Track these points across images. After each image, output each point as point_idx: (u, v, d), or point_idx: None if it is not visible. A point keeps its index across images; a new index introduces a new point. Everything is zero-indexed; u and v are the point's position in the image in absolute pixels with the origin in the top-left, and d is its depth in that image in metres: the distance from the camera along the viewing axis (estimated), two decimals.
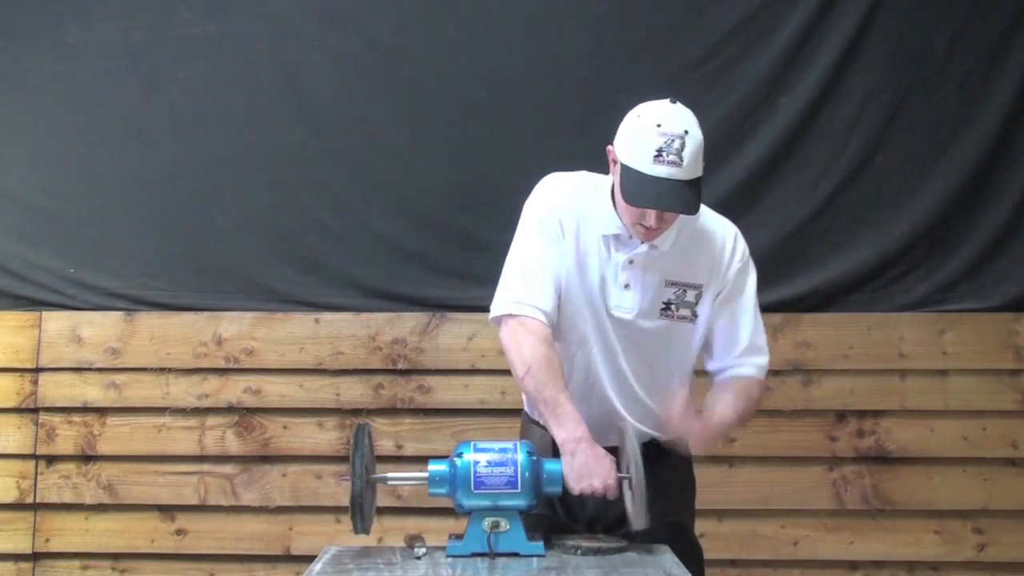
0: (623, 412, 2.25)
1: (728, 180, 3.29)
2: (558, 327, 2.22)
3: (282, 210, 3.36)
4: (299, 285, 3.36)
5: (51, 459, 3.33)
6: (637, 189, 2.04)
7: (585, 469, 2.04)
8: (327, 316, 3.35)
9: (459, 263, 3.31)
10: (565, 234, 2.19)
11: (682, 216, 2.15)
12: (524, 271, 2.19)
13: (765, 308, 3.18)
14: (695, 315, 2.22)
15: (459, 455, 2.06)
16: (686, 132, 2.03)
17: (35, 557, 3.33)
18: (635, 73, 3.26)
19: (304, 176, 3.37)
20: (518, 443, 2.09)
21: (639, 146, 2.04)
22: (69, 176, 3.39)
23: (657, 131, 2.02)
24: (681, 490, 2.34)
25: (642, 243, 2.16)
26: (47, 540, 3.32)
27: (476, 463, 2.04)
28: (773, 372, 3.26)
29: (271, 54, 3.38)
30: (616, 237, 2.18)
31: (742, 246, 2.25)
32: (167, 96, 3.38)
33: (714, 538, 3.17)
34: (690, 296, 2.20)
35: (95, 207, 3.38)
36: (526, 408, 2.39)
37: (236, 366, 3.34)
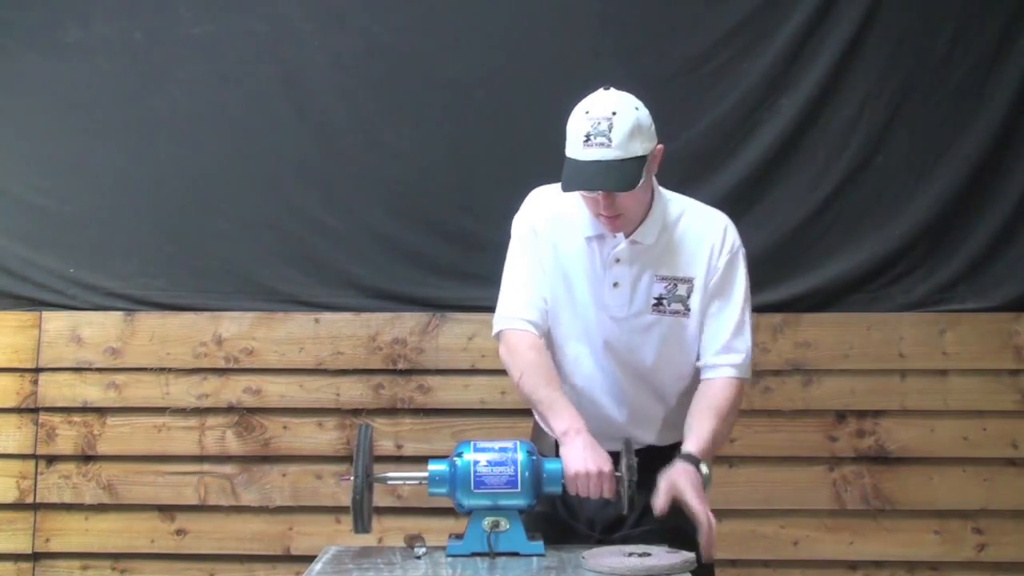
0: (618, 419, 2.24)
1: (728, 180, 3.28)
2: (551, 339, 2.24)
3: (282, 210, 3.36)
4: (299, 285, 3.36)
5: (51, 459, 3.33)
6: (570, 175, 2.09)
7: (580, 458, 2.04)
8: (327, 316, 3.34)
9: (459, 263, 3.32)
10: (542, 246, 2.23)
11: (668, 209, 2.20)
12: (511, 288, 2.25)
13: (765, 308, 3.25)
14: (687, 309, 2.20)
15: (459, 455, 2.06)
16: (614, 113, 2.07)
17: (35, 557, 3.32)
18: (635, 73, 3.24)
19: (304, 176, 3.37)
20: (518, 442, 2.09)
21: (572, 135, 2.10)
22: (69, 176, 3.38)
23: (585, 117, 2.09)
24: None
25: (614, 236, 2.17)
26: (47, 540, 3.32)
27: (476, 463, 2.04)
28: (773, 372, 3.29)
29: (271, 54, 3.38)
30: (599, 237, 2.20)
31: (732, 237, 2.23)
32: (167, 96, 3.38)
33: None
34: (681, 290, 2.20)
35: (95, 207, 3.38)
36: (536, 417, 2.39)
37: (236, 366, 3.34)
